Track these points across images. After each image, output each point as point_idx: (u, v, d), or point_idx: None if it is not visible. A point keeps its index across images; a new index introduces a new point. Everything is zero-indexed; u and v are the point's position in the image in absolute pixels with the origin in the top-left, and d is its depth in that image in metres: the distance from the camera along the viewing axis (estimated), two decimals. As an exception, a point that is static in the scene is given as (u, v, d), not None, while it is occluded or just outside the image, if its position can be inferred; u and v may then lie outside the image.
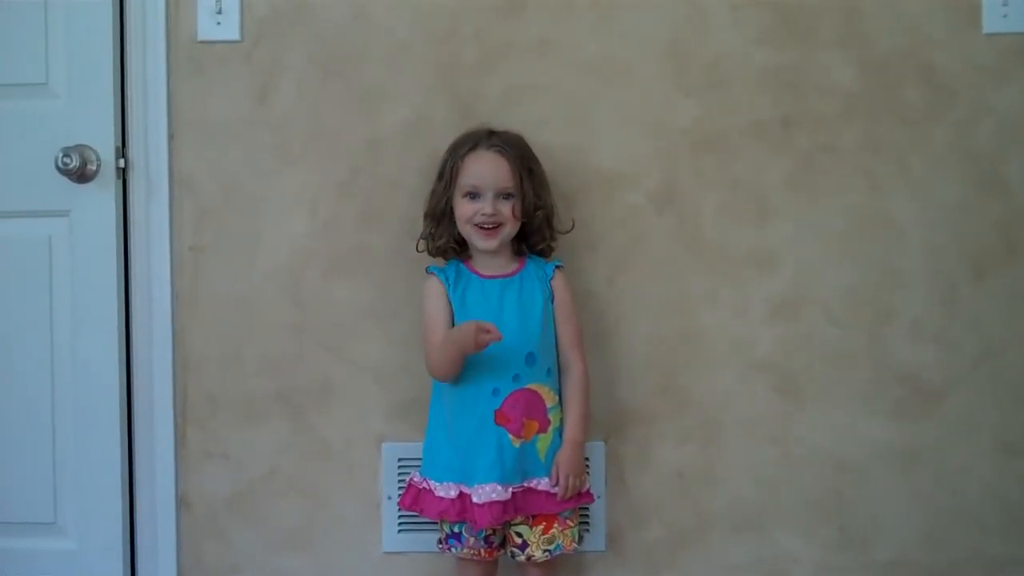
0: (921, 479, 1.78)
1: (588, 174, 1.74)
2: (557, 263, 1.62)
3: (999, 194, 1.76)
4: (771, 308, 1.76)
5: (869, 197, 1.75)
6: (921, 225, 1.76)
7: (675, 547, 1.78)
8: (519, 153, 1.57)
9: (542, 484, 1.54)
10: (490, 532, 1.56)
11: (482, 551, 1.58)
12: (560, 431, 1.57)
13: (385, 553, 1.77)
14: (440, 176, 1.59)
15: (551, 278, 1.60)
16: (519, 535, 1.57)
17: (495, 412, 1.52)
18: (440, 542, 1.61)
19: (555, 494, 1.54)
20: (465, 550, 1.58)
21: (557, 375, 1.59)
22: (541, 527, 1.56)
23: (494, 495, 1.50)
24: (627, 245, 1.75)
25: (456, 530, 1.57)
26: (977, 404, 1.77)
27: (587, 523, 1.75)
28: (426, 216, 1.61)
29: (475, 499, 1.51)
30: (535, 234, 1.61)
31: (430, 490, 1.55)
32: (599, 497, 1.75)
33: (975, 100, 1.74)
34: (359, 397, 1.75)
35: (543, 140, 1.70)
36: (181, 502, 1.76)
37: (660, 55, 1.74)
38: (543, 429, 1.55)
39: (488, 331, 1.46)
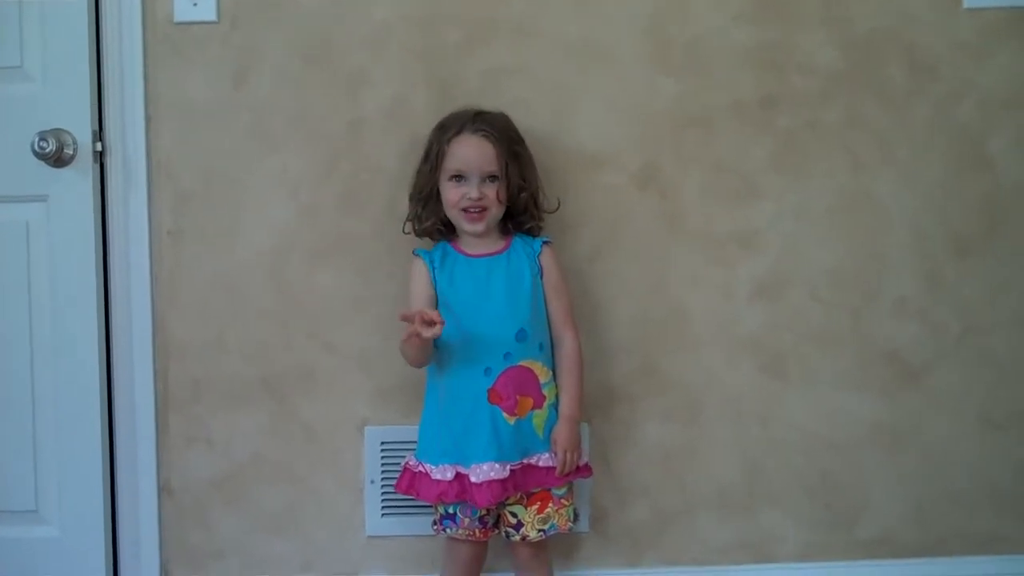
0: (906, 457, 1.78)
1: (570, 155, 1.73)
2: (545, 239, 1.62)
3: (982, 171, 1.76)
4: (755, 288, 1.76)
5: (852, 176, 1.75)
6: (904, 204, 1.76)
7: (660, 528, 1.78)
8: (505, 136, 1.57)
9: (542, 460, 1.54)
10: (484, 512, 1.56)
11: (477, 531, 1.58)
12: (555, 406, 1.57)
13: (369, 537, 1.76)
14: (426, 158, 1.59)
15: (539, 254, 1.59)
16: (514, 515, 1.57)
17: (488, 391, 1.52)
18: (435, 523, 1.61)
19: (555, 468, 1.54)
20: (460, 531, 1.57)
21: (551, 350, 1.59)
22: (536, 507, 1.56)
23: (492, 474, 1.50)
24: (609, 226, 1.74)
25: (451, 511, 1.57)
26: (961, 382, 1.78)
27: (572, 504, 1.75)
28: (412, 198, 1.61)
29: (473, 479, 1.50)
30: (522, 214, 1.60)
31: (426, 473, 1.55)
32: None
33: (957, 77, 1.74)
34: (342, 382, 1.74)
35: (524, 122, 1.69)
36: (163, 488, 1.75)
37: (641, 35, 1.73)
38: (538, 405, 1.55)
39: (431, 323, 1.43)
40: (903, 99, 1.74)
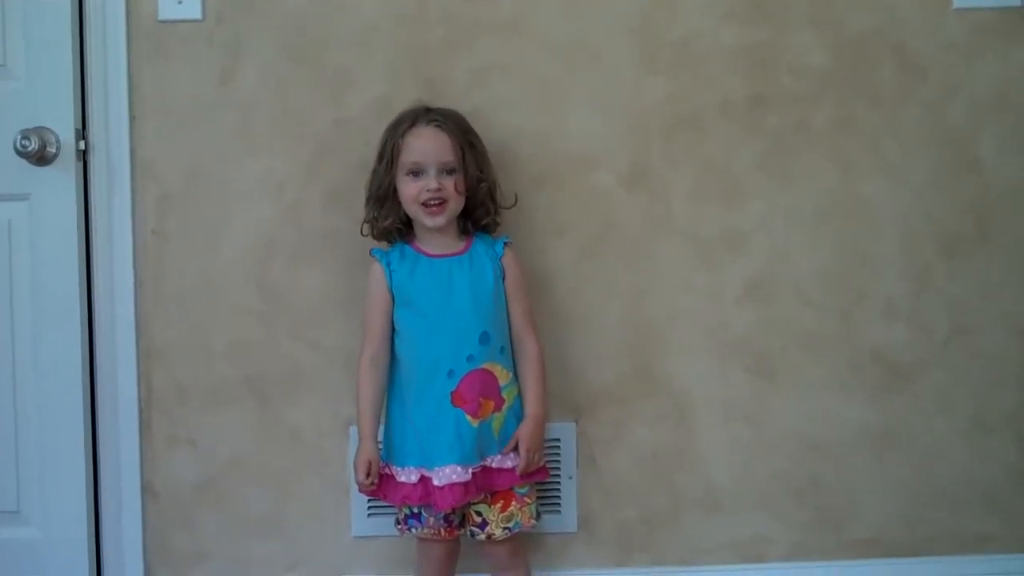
0: (895, 458, 1.78)
1: (557, 156, 1.72)
2: (506, 239, 1.60)
3: (971, 173, 1.75)
4: (744, 289, 1.75)
5: (841, 177, 1.75)
6: (893, 205, 1.75)
7: (648, 528, 1.77)
8: (459, 127, 1.56)
9: (495, 461, 1.54)
10: (450, 511, 1.56)
11: (442, 531, 1.58)
12: (513, 409, 1.56)
13: (355, 537, 1.76)
14: (380, 157, 1.57)
15: (501, 256, 1.58)
16: (479, 514, 1.56)
17: (451, 393, 1.52)
18: (398, 523, 1.61)
19: (511, 470, 1.54)
20: (425, 530, 1.58)
21: (511, 353, 1.58)
22: (499, 505, 1.55)
23: (454, 477, 1.50)
24: (598, 227, 1.73)
25: (416, 511, 1.57)
26: (950, 384, 1.78)
27: (559, 504, 1.75)
28: (368, 199, 1.59)
29: (436, 482, 1.50)
30: (479, 208, 1.58)
31: (392, 475, 1.55)
32: (570, 478, 1.75)
33: (946, 78, 1.74)
34: (327, 382, 1.73)
35: (511, 122, 1.69)
36: (147, 489, 1.74)
37: (629, 35, 1.72)
38: (498, 408, 1.54)
39: (362, 482, 1.54)
40: (892, 100, 1.74)
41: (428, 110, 1.57)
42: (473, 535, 1.58)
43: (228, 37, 1.70)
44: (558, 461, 1.74)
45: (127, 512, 1.73)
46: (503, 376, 1.55)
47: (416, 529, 1.58)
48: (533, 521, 1.58)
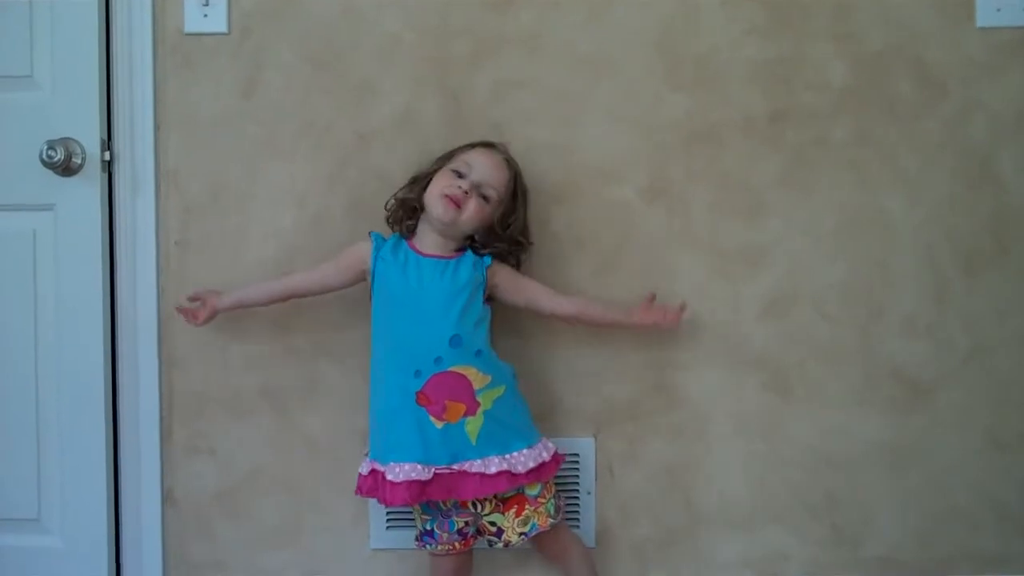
0: (912, 476, 1.77)
1: (577, 169, 1.73)
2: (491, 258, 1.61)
3: (991, 189, 1.75)
4: (762, 304, 1.75)
5: (860, 192, 1.75)
6: (912, 221, 1.75)
7: (665, 544, 1.77)
8: (519, 177, 1.62)
9: (475, 467, 1.51)
10: (463, 524, 1.57)
11: (457, 544, 1.58)
12: (492, 413, 1.52)
13: (373, 550, 1.76)
14: (441, 158, 1.62)
15: (488, 266, 1.58)
16: (493, 523, 1.56)
17: (417, 393, 1.51)
18: (416, 539, 1.61)
19: (486, 476, 1.50)
20: (439, 546, 1.58)
21: (491, 356, 1.56)
22: (513, 511, 1.55)
23: (413, 474, 1.48)
24: (617, 241, 1.74)
25: (428, 527, 1.57)
26: (968, 400, 1.77)
27: (576, 519, 1.75)
28: (410, 180, 1.63)
29: (389, 476, 1.49)
30: (484, 248, 1.60)
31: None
32: (589, 493, 1.74)
33: (967, 95, 1.74)
34: (346, 393, 1.74)
35: (532, 135, 1.70)
36: (166, 499, 1.75)
37: (650, 49, 1.73)
38: (471, 411, 1.52)
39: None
40: (912, 116, 1.74)
41: (505, 148, 1.63)
42: (491, 544, 1.58)
43: (252, 50, 1.72)
44: (577, 476, 1.74)
45: (147, 521, 1.74)
46: (479, 380, 1.53)
47: (431, 546, 1.58)
48: (551, 520, 1.56)
